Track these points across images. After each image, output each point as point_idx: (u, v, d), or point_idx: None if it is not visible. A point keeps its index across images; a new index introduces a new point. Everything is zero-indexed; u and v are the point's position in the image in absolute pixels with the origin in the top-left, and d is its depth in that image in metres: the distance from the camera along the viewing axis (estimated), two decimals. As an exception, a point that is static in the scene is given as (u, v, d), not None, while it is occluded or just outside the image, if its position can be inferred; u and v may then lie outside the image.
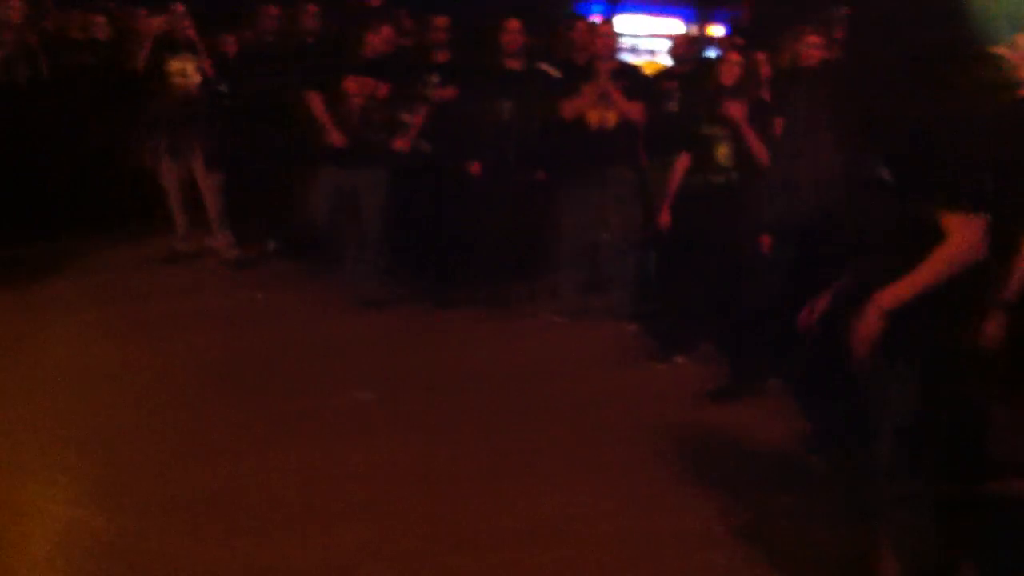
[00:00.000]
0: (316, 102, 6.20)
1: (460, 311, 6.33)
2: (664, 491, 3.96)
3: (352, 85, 6.13)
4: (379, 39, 6.21)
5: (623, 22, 10.07)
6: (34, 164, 7.14)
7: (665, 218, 5.54)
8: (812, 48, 5.38)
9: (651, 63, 9.57)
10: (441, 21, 6.67)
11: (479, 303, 6.40)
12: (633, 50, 9.85)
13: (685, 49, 7.05)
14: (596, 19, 9.74)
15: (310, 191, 6.39)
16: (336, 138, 6.13)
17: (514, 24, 6.26)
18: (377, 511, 3.72)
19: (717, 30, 9.74)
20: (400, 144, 6.22)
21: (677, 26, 9.97)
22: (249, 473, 4.02)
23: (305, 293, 6.51)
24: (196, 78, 6.79)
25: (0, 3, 7.21)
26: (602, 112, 5.97)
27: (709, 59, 6.85)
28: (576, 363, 5.55)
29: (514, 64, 6.32)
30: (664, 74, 6.99)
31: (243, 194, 7.15)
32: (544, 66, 6.49)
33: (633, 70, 6.73)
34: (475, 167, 6.25)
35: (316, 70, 6.36)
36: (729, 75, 5.39)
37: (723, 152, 5.29)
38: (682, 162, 5.45)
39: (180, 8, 6.76)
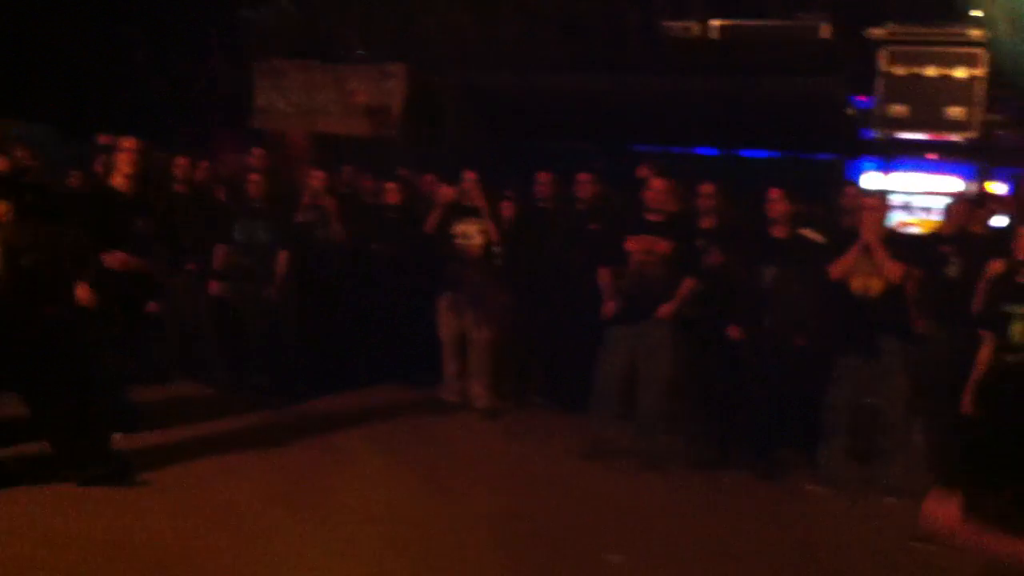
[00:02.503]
0: (604, 275, 6.53)
1: (715, 474, 6.32)
2: None
3: (632, 244, 6.40)
4: (652, 193, 6.45)
5: (897, 179, 9.91)
6: (320, 318, 7.93)
7: (968, 404, 5.29)
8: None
9: (926, 221, 9.33)
10: (708, 188, 6.89)
11: (736, 467, 6.37)
12: (907, 207, 9.65)
13: (963, 215, 6.84)
14: (865, 181, 9.73)
15: (599, 350, 6.55)
16: (608, 309, 6.44)
17: (775, 192, 6.38)
18: None
19: (999, 188, 9.37)
20: (663, 311, 6.33)
21: (955, 183, 9.68)
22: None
23: (560, 445, 6.69)
24: (478, 240, 7.30)
25: (307, 174, 8.22)
26: (866, 279, 5.90)
27: (998, 229, 6.66)
28: (837, 540, 5.38)
29: (779, 231, 6.40)
30: (939, 237, 6.84)
31: (512, 350, 7.60)
32: (808, 231, 6.53)
33: (904, 237, 6.60)
34: (735, 331, 6.32)
35: (596, 236, 6.65)
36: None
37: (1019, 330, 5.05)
38: (986, 343, 5.24)
39: (472, 176, 7.34)
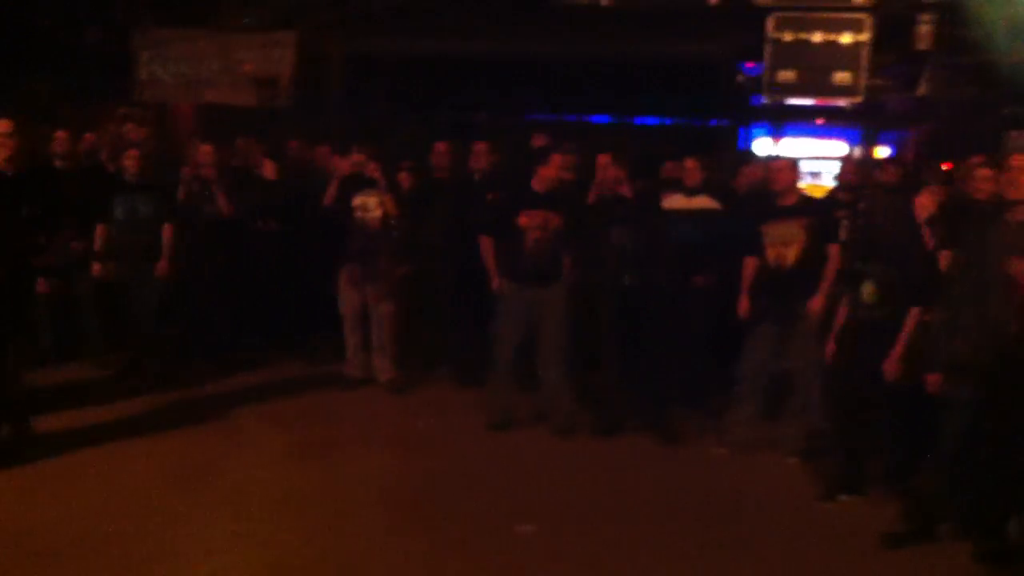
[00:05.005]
0: (486, 245, 6.49)
1: (622, 439, 6.36)
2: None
3: (524, 219, 6.36)
4: (550, 171, 6.42)
5: (787, 144, 10.14)
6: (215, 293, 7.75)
7: (829, 355, 5.45)
8: (982, 182, 5.34)
9: (814, 186, 9.56)
10: (604, 159, 6.88)
11: (641, 431, 6.41)
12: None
13: (853, 176, 6.98)
14: (756, 146, 9.92)
15: (495, 317, 6.51)
16: (496, 285, 6.43)
17: (604, 158, 6.55)
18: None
19: (883, 151, 9.66)
20: (569, 276, 6.39)
21: (841, 148, 9.95)
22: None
23: (467, 418, 6.63)
24: (377, 212, 7.16)
25: (193, 146, 7.97)
26: (779, 248, 5.97)
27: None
28: (739, 499, 5.47)
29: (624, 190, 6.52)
30: (835, 203, 6.94)
31: (413, 323, 7.53)
32: (705, 198, 6.60)
33: (818, 204, 6.61)
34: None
35: (489, 208, 6.60)
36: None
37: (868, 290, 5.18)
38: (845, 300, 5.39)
39: (361, 158, 7.19)
